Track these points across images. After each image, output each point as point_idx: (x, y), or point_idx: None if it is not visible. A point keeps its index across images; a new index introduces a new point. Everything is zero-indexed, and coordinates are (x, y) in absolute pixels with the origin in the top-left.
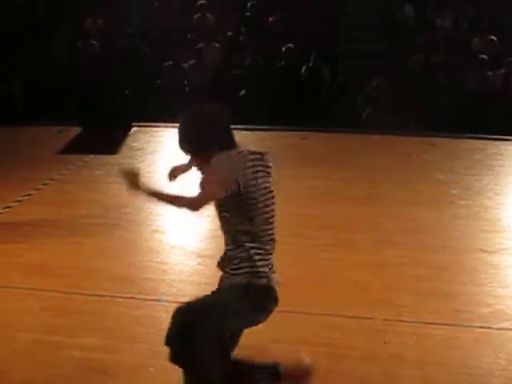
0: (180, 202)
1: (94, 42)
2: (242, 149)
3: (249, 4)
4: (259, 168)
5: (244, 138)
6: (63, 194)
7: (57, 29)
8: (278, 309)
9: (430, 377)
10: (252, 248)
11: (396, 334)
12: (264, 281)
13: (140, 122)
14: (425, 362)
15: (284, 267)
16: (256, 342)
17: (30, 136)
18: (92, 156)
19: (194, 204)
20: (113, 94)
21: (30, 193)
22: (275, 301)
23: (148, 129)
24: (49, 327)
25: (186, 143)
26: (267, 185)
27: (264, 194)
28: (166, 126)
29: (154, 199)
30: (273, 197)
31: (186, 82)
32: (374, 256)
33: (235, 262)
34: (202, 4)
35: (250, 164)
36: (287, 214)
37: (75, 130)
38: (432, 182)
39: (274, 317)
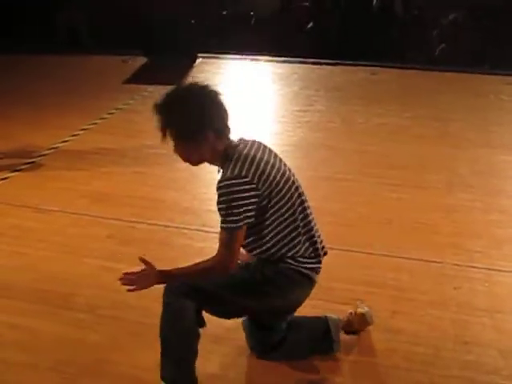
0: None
1: None
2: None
3: None
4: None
5: (311, 72)
6: (128, 124)
7: None
8: (343, 248)
9: (501, 326)
10: None
11: (466, 279)
12: None
13: (205, 52)
14: (496, 310)
15: (350, 206)
16: (320, 281)
17: (96, 65)
18: (157, 86)
19: None
20: (179, 23)
21: (96, 121)
22: None
23: (213, 60)
24: (114, 255)
25: (171, 126)
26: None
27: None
28: (232, 58)
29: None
30: None
31: (252, 13)
32: (445, 198)
33: None
34: None
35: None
36: (354, 152)
37: (140, 60)
38: (509, 124)
39: (338, 256)
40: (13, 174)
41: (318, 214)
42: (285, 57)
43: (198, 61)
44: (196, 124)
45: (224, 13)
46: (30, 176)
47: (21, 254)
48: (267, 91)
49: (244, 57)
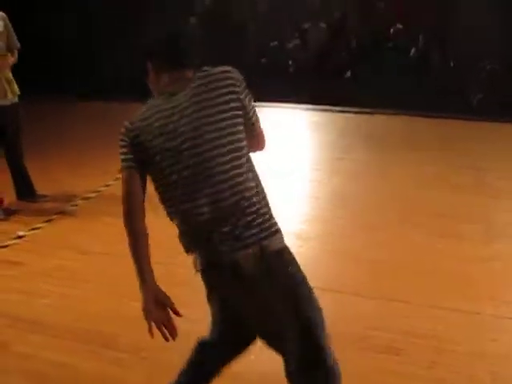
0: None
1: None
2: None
3: None
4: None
5: (347, 120)
6: None
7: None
8: (381, 297)
9: None
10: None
11: (505, 332)
12: None
13: None
14: None
15: (387, 255)
16: (356, 330)
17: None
18: None
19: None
20: None
21: None
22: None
23: None
24: None
25: None
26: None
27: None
28: (270, 106)
29: None
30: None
31: (290, 62)
32: (483, 249)
33: None
34: None
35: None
36: (392, 200)
37: None
38: None
39: (376, 304)
40: (57, 216)
41: (355, 263)
42: (322, 105)
43: None
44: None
45: (263, 61)
46: (74, 218)
47: (66, 294)
48: (304, 139)
49: (282, 104)
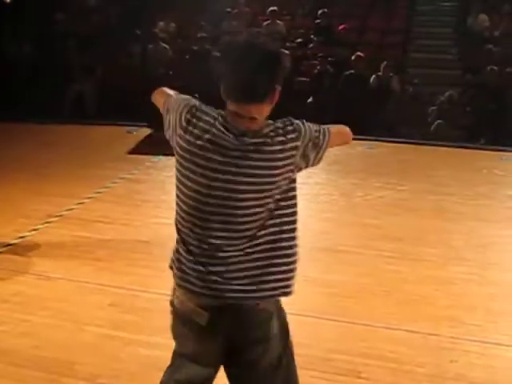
0: None
1: (166, 46)
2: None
3: (320, 11)
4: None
5: None
6: (132, 193)
7: (130, 31)
8: (341, 319)
9: None
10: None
11: (463, 353)
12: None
13: None
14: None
15: (348, 278)
16: (318, 353)
17: (101, 135)
18: (160, 157)
19: None
20: None
21: (101, 190)
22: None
23: None
24: (116, 323)
25: None
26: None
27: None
28: None
29: None
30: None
31: None
32: (441, 271)
33: None
34: (272, 10)
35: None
36: (352, 224)
37: (144, 131)
38: (502, 198)
39: (337, 327)
40: (17, 240)
41: (316, 285)
42: None
43: None
44: None
45: None
46: (34, 243)
47: (23, 320)
48: None
49: None
